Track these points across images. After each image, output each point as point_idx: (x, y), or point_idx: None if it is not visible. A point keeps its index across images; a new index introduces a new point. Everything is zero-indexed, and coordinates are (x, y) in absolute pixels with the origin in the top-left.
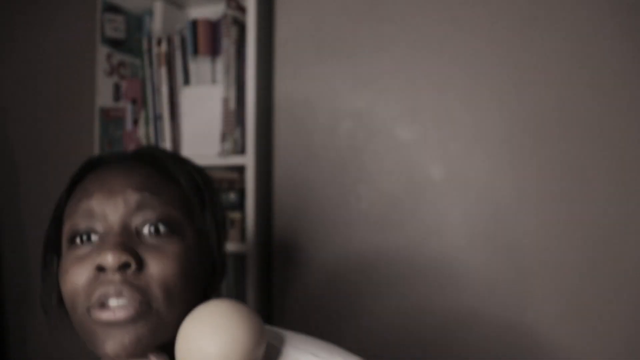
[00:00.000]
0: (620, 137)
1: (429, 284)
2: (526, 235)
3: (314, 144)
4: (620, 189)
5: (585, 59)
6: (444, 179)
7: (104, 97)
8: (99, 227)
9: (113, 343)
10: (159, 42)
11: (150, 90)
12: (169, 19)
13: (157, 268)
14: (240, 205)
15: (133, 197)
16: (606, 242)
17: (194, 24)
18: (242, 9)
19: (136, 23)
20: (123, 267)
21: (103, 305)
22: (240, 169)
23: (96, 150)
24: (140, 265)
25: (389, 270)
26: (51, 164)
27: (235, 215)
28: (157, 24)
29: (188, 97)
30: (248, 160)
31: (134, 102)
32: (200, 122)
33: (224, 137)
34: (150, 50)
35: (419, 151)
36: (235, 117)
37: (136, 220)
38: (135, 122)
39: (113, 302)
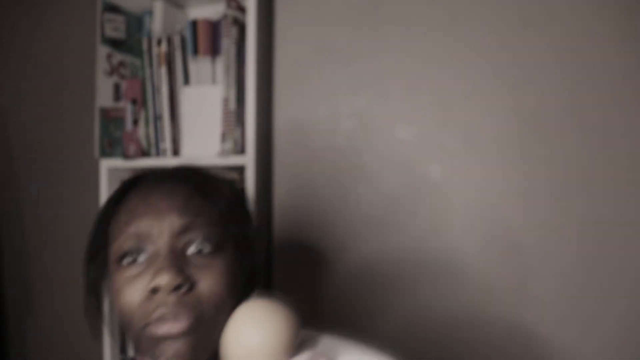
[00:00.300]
0: (621, 137)
1: (431, 284)
2: (527, 235)
3: (314, 144)
4: (621, 189)
5: (585, 59)
6: (444, 179)
7: (103, 97)
8: (147, 248)
9: (170, 355)
10: (159, 42)
11: (150, 90)
12: (169, 19)
13: (206, 286)
14: None
15: (178, 221)
16: (608, 242)
17: (194, 24)
18: (242, 9)
19: (136, 23)
20: (177, 288)
21: (159, 320)
22: (240, 169)
23: (96, 150)
24: (192, 285)
25: (390, 270)
26: (51, 164)
27: None
28: (157, 24)
29: (188, 97)
30: (248, 160)
31: (134, 102)
32: (200, 122)
33: (224, 137)
34: (150, 50)
35: (419, 152)
36: (235, 117)
37: (181, 242)
38: (135, 122)
39: (168, 324)
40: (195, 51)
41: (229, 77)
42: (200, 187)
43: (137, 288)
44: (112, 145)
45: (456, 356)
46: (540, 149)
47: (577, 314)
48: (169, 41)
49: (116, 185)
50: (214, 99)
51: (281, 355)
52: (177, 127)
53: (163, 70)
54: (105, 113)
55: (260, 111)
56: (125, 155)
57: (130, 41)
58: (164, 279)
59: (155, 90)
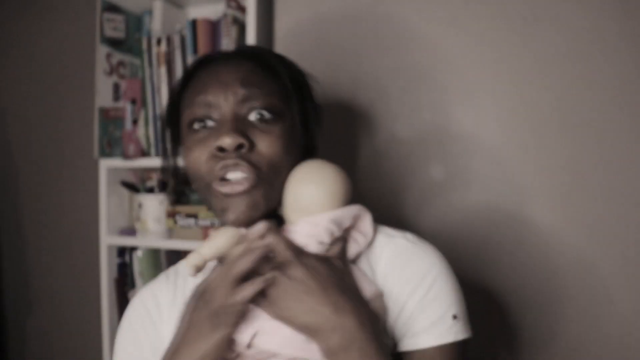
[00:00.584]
0: (626, 136)
1: None
2: (529, 235)
3: None
4: (624, 189)
5: (586, 59)
6: (445, 178)
7: (103, 96)
8: (214, 115)
9: (233, 211)
10: (159, 42)
11: (149, 90)
12: (169, 18)
13: (265, 146)
14: None
15: (241, 91)
16: (610, 241)
17: (194, 23)
18: (242, 9)
19: (136, 23)
20: (238, 147)
21: (223, 179)
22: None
23: (95, 150)
24: (252, 145)
25: None
26: (50, 163)
27: None
28: (156, 24)
29: None
30: None
31: (133, 102)
32: None
33: None
34: (149, 50)
35: (418, 150)
36: None
37: (244, 109)
38: (135, 122)
39: (231, 175)
40: (195, 51)
41: None
42: (263, 62)
43: (205, 148)
44: (111, 146)
45: None
46: (540, 149)
47: (579, 313)
48: (169, 41)
49: (115, 185)
50: None
51: (334, 208)
52: None
53: (163, 70)
54: (104, 113)
55: None
56: (125, 156)
57: (130, 41)
58: (227, 139)
59: (155, 90)
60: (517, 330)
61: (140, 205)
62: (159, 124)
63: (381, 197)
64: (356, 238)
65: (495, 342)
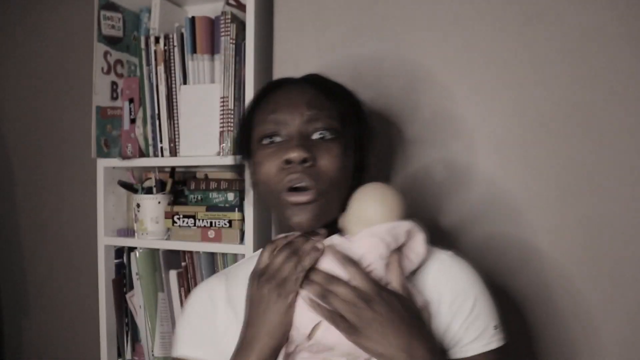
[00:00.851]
0: (626, 136)
1: None
2: (531, 235)
3: None
4: (625, 188)
5: (588, 58)
6: (447, 178)
7: (101, 95)
8: (283, 131)
9: (299, 217)
10: (157, 40)
11: (147, 89)
12: (167, 16)
13: (325, 163)
14: (239, 205)
15: (307, 112)
16: (611, 241)
17: (192, 21)
18: (241, 6)
19: (134, 21)
20: (303, 161)
21: (290, 189)
22: (240, 169)
23: (93, 150)
24: (314, 160)
25: None
26: (47, 163)
27: (234, 215)
28: (154, 22)
29: (186, 95)
30: None
31: (131, 100)
32: (199, 121)
33: (222, 136)
34: (148, 48)
35: (420, 151)
36: (234, 117)
37: (309, 128)
38: (133, 121)
39: (297, 184)
40: (194, 49)
41: (228, 75)
42: (326, 89)
43: (274, 161)
44: (109, 145)
45: None
46: (542, 148)
47: (581, 313)
48: (167, 39)
49: (113, 185)
50: (213, 98)
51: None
52: (175, 126)
53: (161, 69)
54: (102, 112)
55: None
56: (123, 156)
57: (128, 39)
58: (294, 153)
59: (153, 89)
60: (517, 329)
61: (138, 206)
62: (157, 123)
63: None
64: (409, 256)
65: None
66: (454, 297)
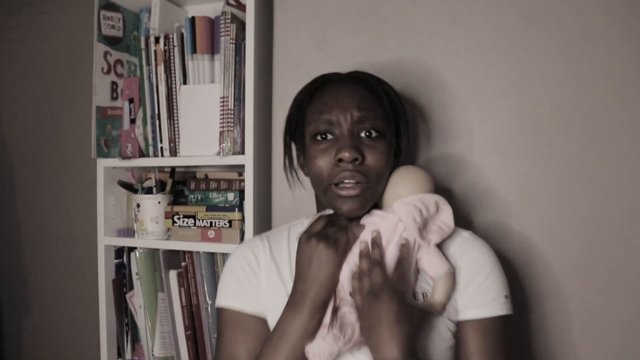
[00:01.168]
0: (626, 136)
1: None
2: (531, 235)
3: None
4: (625, 188)
5: (589, 56)
6: (446, 178)
7: (101, 95)
8: (335, 131)
9: (347, 207)
10: (157, 40)
11: (147, 89)
12: (167, 16)
13: (372, 160)
14: (239, 205)
15: (356, 114)
16: (613, 241)
17: (192, 21)
18: (241, 6)
19: (134, 21)
20: (354, 160)
21: (340, 182)
22: (239, 169)
23: (93, 150)
24: (363, 158)
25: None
26: (47, 163)
27: (234, 215)
28: (154, 22)
29: (186, 95)
30: (247, 160)
31: (131, 100)
32: (199, 121)
33: (222, 136)
34: (147, 48)
35: (420, 150)
36: (234, 116)
37: (357, 128)
38: (133, 121)
39: (347, 180)
40: (194, 49)
41: (228, 75)
42: (373, 89)
43: (326, 156)
44: (109, 145)
45: None
46: (542, 148)
47: (581, 314)
48: (167, 39)
49: (113, 185)
50: (213, 98)
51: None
52: (175, 126)
53: (161, 69)
54: (102, 112)
55: (259, 110)
56: (123, 156)
57: (128, 39)
58: (347, 154)
59: (153, 89)
60: (517, 328)
61: (138, 206)
62: (157, 123)
63: None
64: (442, 227)
65: None
66: (471, 266)
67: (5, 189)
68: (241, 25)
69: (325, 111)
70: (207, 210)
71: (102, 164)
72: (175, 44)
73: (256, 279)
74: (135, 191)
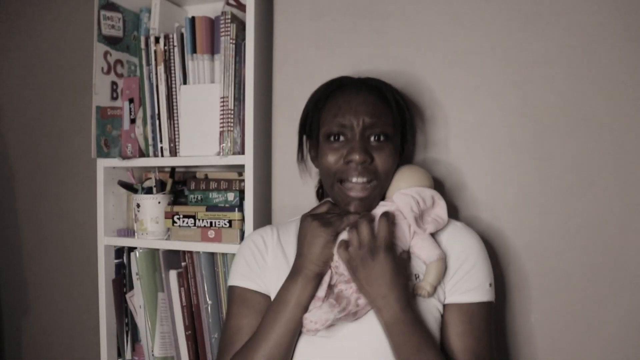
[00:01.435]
0: (624, 135)
1: None
2: (530, 235)
3: None
4: (625, 187)
5: (588, 56)
6: (445, 178)
7: (101, 95)
8: (347, 133)
9: (355, 206)
10: (157, 40)
11: (147, 89)
12: (167, 16)
13: (380, 162)
14: (239, 205)
15: (368, 119)
16: (612, 241)
17: (192, 21)
18: (241, 6)
19: (134, 21)
20: (363, 162)
21: (347, 181)
22: (239, 169)
23: (93, 150)
24: (372, 160)
25: None
26: (47, 163)
27: (234, 215)
28: (154, 22)
29: (186, 95)
30: (247, 160)
31: (131, 100)
32: (199, 121)
33: (222, 136)
34: (147, 48)
35: (420, 151)
36: (234, 116)
37: (367, 132)
38: (133, 121)
39: (355, 179)
40: (194, 49)
41: (228, 75)
42: (385, 97)
43: (338, 155)
44: (109, 145)
45: None
46: (544, 148)
47: (580, 315)
48: (167, 39)
49: (113, 185)
50: (213, 98)
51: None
52: (175, 126)
53: (161, 69)
54: (102, 112)
55: (260, 110)
56: (123, 156)
57: (128, 39)
58: (357, 156)
59: (153, 89)
60: (518, 328)
61: (138, 206)
62: (157, 123)
63: None
64: (437, 219)
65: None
66: (460, 253)
67: (5, 189)
68: (241, 25)
69: (339, 115)
70: (207, 210)
71: (102, 164)
72: (175, 44)
73: (263, 260)
74: (135, 191)
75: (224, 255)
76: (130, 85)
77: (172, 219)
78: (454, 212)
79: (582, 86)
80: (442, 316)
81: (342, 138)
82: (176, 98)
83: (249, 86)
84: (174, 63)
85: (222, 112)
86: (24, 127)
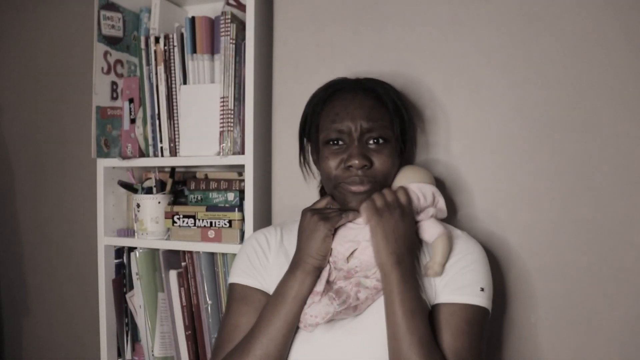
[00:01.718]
0: (626, 136)
1: None
2: (530, 236)
3: None
4: (625, 187)
5: (588, 57)
6: (445, 179)
7: (101, 95)
8: (345, 138)
9: (356, 202)
10: (157, 40)
11: (147, 89)
12: (167, 16)
13: (379, 164)
14: (239, 205)
15: (365, 124)
16: (612, 241)
17: (192, 21)
18: (241, 6)
19: (133, 21)
20: (362, 167)
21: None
22: (239, 169)
23: (93, 150)
24: (371, 163)
25: None
26: (47, 163)
27: (234, 215)
28: (154, 22)
29: (186, 95)
30: (247, 160)
31: (131, 100)
32: (199, 121)
33: (222, 136)
34: (147, 48)
35: (419, 151)
36: (234, 116)
37: (366, 137)
38: (133, 121)
39: (355, 188)
40: (194, 49)
41: (228, 75)
42: (381, 99)
43: (337, 158)
44: (109, 145)
45: None
46: (543, 147)
47: (579, 315)
48: (167, 39)
49: (113, 185)
50: (213, 98)
51: None
52: (175, 126)
53: (161, 69)
54: (102, 112)
55: (259, 110)
56: (123, 156)
57: (128, 39)
58: (356, 161)
59: (153, 89)
60: (518, 330)
61: (138, 206)
62: (157, 123)
63: None
64: (440, 210)
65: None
66: (457, 254)
67: (5, 189)
68: (241, 25)
69: (337, 120)
70: (207, 210)
71: (102, 164)
72: (175, 44)
73: (265, 258)
74: (135, 191)
75: (224, 255)
76: (130, 85)
77: (172, 219)
78: (452, 212)
79: (582, 86)
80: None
81: (340, 142)
82: (176, 98)
83: (249, 86)
84: (174, 63)
85: (222, 112)
86: (24, 127)
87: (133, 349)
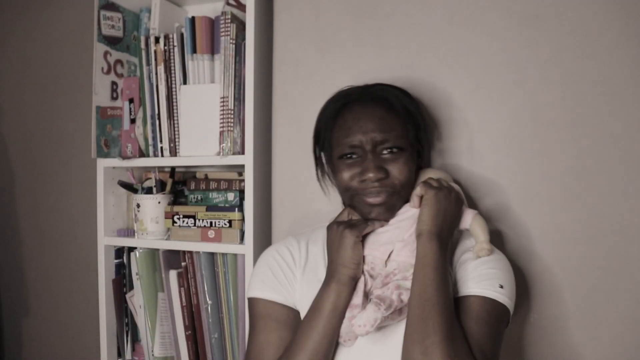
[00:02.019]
0: (626, 135)
1: None
2: (530, 235)
3: None
4: (627, 188)
5: (590, 56)
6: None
7: (101, 95)
8: (358, 152)
9: (375, 213)
10: (157, 40)
11: (147, 89)
12: (167, 16)
13: (396, 174)
14: (239, 205)
15: (378, 136)
16: (612, 241)
17: (192, 21)
18: (241, 6)
19: (133, 21)
20: (378, 180)
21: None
22: (239, 169)
23: (93, 150)
24: (386, 174)
25: None
26: (47, 163)
27: (234, 215)
28: (154, 22)
29: (186, 95)
30: (247, 160)
31: (131, 100)
32: (199, 121)
33: (222, 136)
34: (147, 48)
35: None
36: (234, 116)
37: (380, 148)
38: (133, 121)
39: (371, 199)
40: (194, 49)
41: (228, 75)
42: (392, 107)
43: (352, 171)
44: (109, 145)
45: None
46: (543, 147)
47: (581, 315)
48: (167, 39)
49: (113, 185)
50: (213, 98)
51: None
52: (175, 126)
53: (161, 69)
54: (102, 112)
55: (259, 110)
56: (123, 156)
57: (128, 39)
58: (371, 174)
59: (153, 89)
60: (517, 328)
61: (138, 206)
62: (157, 123)
63: None
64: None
65: None
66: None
67: (5, 189)
68: (241, 25)
69: (350, 135)
70: (207, 210)
71: (102, 164)
72: (175, 44)
73: (291, 272)
74: (135, 191)
75: (224, 255)
76: (130, 85)
77: (172, 219)
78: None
79: (582, 87)
80: None
81: (355, 156)
82: (176, 98)
83: (249, 86)
84: (174, 63)
85: (222, 112)
86: (24, 127)
87: (133, 349)
